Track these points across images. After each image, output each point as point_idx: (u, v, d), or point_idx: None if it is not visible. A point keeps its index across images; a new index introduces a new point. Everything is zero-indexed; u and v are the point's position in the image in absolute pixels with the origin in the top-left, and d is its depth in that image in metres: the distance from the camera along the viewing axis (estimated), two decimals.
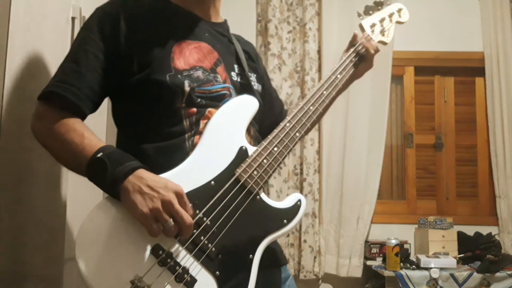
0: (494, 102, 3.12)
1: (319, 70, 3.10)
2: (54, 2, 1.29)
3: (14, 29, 1.07)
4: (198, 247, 0.92)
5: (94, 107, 1.04)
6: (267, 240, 1.00)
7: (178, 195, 0.89)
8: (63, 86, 0.98)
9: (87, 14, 1.21)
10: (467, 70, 3.27)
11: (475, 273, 2.58)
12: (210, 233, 0.94)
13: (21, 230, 1.11)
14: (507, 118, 3.08)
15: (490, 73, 3.14)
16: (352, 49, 1.31)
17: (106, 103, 1.12)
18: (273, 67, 3.03)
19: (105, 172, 0.89)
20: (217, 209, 0.95)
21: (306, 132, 1.15)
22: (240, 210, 0.98)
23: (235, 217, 0.97)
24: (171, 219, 0.87)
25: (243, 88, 1.15)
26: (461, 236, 2.90)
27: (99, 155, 0.90)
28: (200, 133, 1.03)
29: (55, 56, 1.23)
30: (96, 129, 1.32)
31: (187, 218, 0.88)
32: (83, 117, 1.02)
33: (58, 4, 1.32)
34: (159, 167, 0.95)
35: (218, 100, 1.07)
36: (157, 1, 1.13)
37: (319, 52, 3.11)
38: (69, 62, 1.02)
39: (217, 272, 0.93)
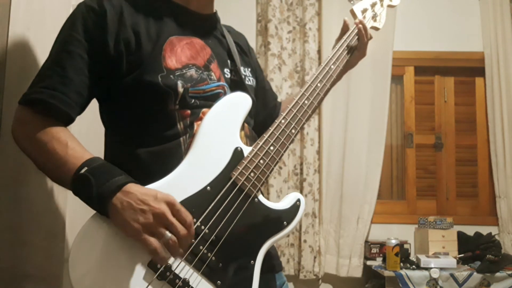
0: (494, 102, 3.12)
1: None
2: (54, 2, 1.29)
3: (14, 29, 1.07)
4: (197, 258, 0.89)
5: (81, 111, 0.98)
6: (268, 244, 0.97)
7: (170, 204, 0.84)
8: (48, 92, 0.91)
9: None
10: (467, 70, 3.27)
11: (475, 273, 2.58)
12: (209, 242, 0.90)
13: (21, 230, 1.11)
14: (507, 118, 3.08)
15: (490, 73, 3.14)
16: (344, 37, 1.25)
17: None
18: (273, 67, 3.03)
19: (90, 191, 0.84)
20: (215, 216, 0.91)
21: (301, 127, 1.11)
22: (239, 215, 0.94)
23: (234, 223, 0.93)
24: (167, 231, 0.83)
25: (237, 85, 1.09)
26: (461, 236, 2.90)
27: (83, 171, 0.85)
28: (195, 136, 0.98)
29: None
30: (96, 132, 1.32)
31: (181, 228, 0.83)
32: (69, 123, 0.96)
33: (58, 4, 1.32)
34: (153, 173, 0.91)
35: (212, 99, 1.02)
36: None
37: (319, 52, 3.11)
38: (52, 65, 0.95)
39: (219, 281, 0.90)
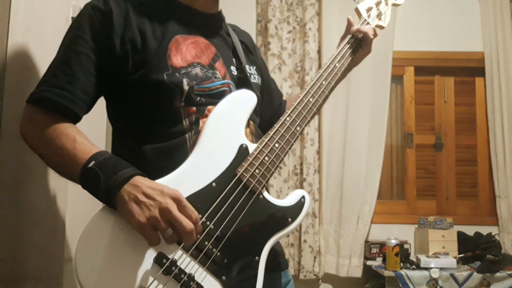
0: (494, 102, 3.12)
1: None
2: (54, 2, 1.29)
3: (14, 29, 1.07)
4: (202, 253, 0.89)
5: (88, 109, 1.00)
6: (273, 240, 0.98)
7: (176, 200, 0.85)
8: (56, 91, 0.94)
9: None
10: (467, 70, 3.27)
11: (475, 273, 2.59)
12: (214, 237, 0.91)
13: (21, 230, 1.11)
14: (507, 118, 3.08)
15: (490, 73, 3.14)
16: (349, 36, 1.26)
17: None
18: (273, 67, 3.04)
19: (98, 183, 0.85)
20: (220, 212, 0.92)
21: (306, 125, 1.11)
22: (244, 212, 0.95)
23: (239, 219, 0.94)
24: (170, 227, 0.84)
25: (243, 82, 1.11)
26: (461, 236, 2.90)
27: (90, 164, 0.86)
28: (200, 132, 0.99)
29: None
30: (97, 128, 1.31)
31: (187, 223, 0.83)
32: (76, 121, 0.98)
33: (58, 4, 1.32)
34: (159, 169, 0.92)
35: (218, 97, 1.03)
36: None
37: (319, 52, 3.11)
38: (59, 64, 0.97)
39: (223, 277, 0.91)
